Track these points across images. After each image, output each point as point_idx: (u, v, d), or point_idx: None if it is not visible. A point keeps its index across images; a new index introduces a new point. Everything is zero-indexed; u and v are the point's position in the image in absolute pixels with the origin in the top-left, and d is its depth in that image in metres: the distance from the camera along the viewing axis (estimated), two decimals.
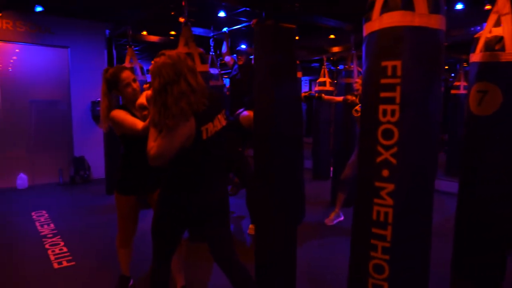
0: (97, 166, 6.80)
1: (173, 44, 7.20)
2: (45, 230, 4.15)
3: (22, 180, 6.25)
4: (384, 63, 1.60)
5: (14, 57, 6.44)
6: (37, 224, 4.37)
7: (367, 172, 1.72)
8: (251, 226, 4.12)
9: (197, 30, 5.56)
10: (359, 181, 1.80)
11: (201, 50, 3.56)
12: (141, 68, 4.87)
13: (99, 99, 6.92)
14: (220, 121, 2.01)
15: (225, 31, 5.16)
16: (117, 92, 2.43)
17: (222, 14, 5.57)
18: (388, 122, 1.62)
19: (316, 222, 4.44)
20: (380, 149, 1.65)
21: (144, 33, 6.37)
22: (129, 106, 2.46)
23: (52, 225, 4.31)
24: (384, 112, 1.63)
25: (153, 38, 6.05)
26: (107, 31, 5.53)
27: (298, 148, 2.72)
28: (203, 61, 3.52)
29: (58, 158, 6.73)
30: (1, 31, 6.00)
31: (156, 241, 2.07)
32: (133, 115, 2.42)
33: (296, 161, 2.68)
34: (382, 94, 1.62)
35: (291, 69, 2.56)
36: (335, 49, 5.69)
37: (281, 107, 2.52)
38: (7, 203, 5.35)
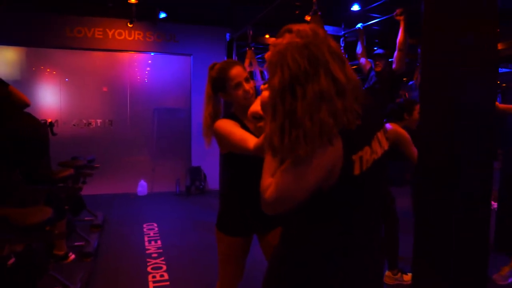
0: (213, 176, 6.52)
1: None
2: (151, 248, 3.82)
3: (142, 187, 6.30)
4: None
5: (147, 69, 6.61)
6: (146, 238, 4.10)
7: None
8: (387, 273, 3.14)
9: (326, 28, 4.80)
10: None
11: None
12: (261, 73, 4.31)
13: None
14: (381, 143, 1.16)
15: (359, 28, 4.27)
16: (224, 95, 1.79)
17: (356, 7, 4.69)
18: None
19: None
20: None
21: (267, 36, 5.87)
22: (240, 114, 1.80)
23: (159, 242, 3.98)
24: None
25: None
26: (228, 34, 5.16)
27: (487, 182, 1.69)
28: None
29: (176, 167, 6.66)
30: (133, 42, 6.18)
31: None
32: (245, 127, 1.74)
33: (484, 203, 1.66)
34: None
35: (490, 59, 1.57)
36: None
37: (467, 119, 1.55)
38: (125, 210, 5.34)
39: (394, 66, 3.82)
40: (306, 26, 1.06)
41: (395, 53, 3.75)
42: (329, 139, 0.99)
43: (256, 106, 1.62)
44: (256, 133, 1.70)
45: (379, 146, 1.15)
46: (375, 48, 4.12)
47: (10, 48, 6.03)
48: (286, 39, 1.03)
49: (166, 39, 6.29)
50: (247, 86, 1.73)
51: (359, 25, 4.37)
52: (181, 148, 6.73)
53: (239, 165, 1.76)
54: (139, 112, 6.50)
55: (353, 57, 4.60)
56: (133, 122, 6.49)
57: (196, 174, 6.52)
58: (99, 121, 6.29)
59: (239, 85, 1.72)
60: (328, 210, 1.09)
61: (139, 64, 6.58)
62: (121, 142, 6.40)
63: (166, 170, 6.61)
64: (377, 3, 4.48)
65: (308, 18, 5.35)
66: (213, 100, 1.81)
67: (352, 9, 4.73)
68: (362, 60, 4.22)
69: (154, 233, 4.28)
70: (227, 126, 1.71)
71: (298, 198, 1.04)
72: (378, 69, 3.95)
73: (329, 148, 1.00)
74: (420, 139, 1.72)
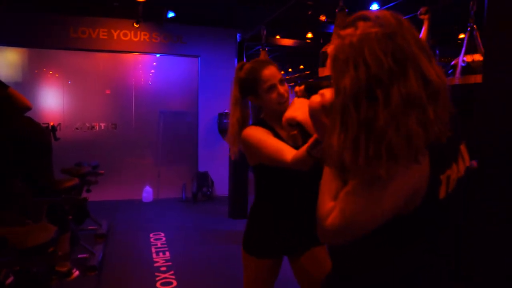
0: (221, 182, 6.29)
1: (311, 49, 6.36)
2: (160, 260, 3.59)
3: (147, 193, 6.08)
4: None
5: (152, 71, 6.40)
6: (153, 249, 3.87)
7: None
8: None
9: None
10: None
11: None
12: None
13: (226, 110, 6.54)
14: (464, 157, 0.94)
15: None
16: (255, 99, 1.57)
17: (375, 6, 4.46)
18: None
19: None
20: None
21: (277, 37, 5.66)
22: (272, 120, 1.58)
23: (167, 254, 3.75)
24: None
25: (287, 42, 5.28)
26: (238, 35, 4.95)
27: None
28: None
29: (182, 172, 6.43)
30: (139, 43, 5.98)
31: None
32: (277, 135, 1.52)
33: None
34: None
35: None
36: None
37: None
38: (131, 218, 5.11)
39: None
40: (386, 12, 0.83)
41: None
42: (415, 155, 0.77)
43: (293, 112, 1.41)
44: (289, 142, 1.48)
45: (462, 161, 0.93)
46: None
47: (11, 49, 5.82)
48: (360, 28, 0.80)
49: (173, 40, 6.08)
50: (282, 89, 1.51)
51: None
52: (188, 153, 6.51)
53: (274, 175, 1.54)
54: (144, 115, 6.29)
55: None
56: (138, 125, 6.27)
57: (203, 179, 6.29)
58: (102, 124, 6.07)
59: (272, 87, 1.50)
60: (413, 230, 0.88)
61: (144, 65, 6.37)
62: (125, 146, 6.18)
63: (172, 175, 6.39)
64: (396, 2, 4.26)
65: (323, 18, 5.17)
66: (241, 104, 1.60)
67: (371, 8, 4.51)
68: None
69: (161, 244, 4.05)
70: (258, 134, 1.49)
71: (369, 227, 0.83)
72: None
73: (414, 167, 0.78)
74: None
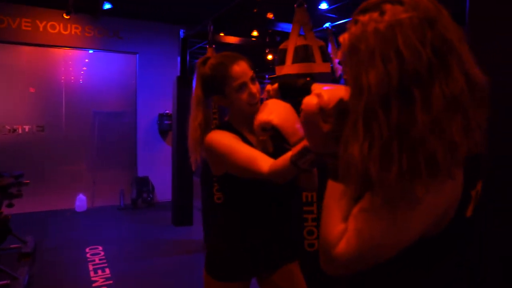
0: (162, 187, 5.95)
1: (257, 47, 6.22)
2: (99, 279, 3.21)
3: (81, 201, 5.54)
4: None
5: (84, 68, 5.84)
6: (91, 267, 3.47)
7: None
8: None
9: (288, 28, 4.49)
10: None
11: (322, 42, 2.44)
12: None
13: (167, 111, 6.20)
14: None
15: (328, 27, 4.02)
16: (221, 98, 1.36)
17: (324, 5, 4.43)
18: None
19: None
20: None
21: (221, 34, 5.44)
22: (239, 124, 1.39)
23: (107, 271, 3.38)
24: None
25: (232, 40, 5.09)
26: (182, 31, 4.66)
27: None
28: (325, 59, 2.39)
29: (120, 178, 5.97)
30: (70, 36, 5.42)
31: None
32: (246, 141, 1.34)
33: None
34: None
35: None
36: None
37: None
38: (62, 231, 4.59)
39: None
40: None
41: None
42: (451, 169, 0.64)
43: (267, 115, 1.24)
44: (258, 149, 1.31)
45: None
46: None
47: None
48: (389, 13, 0.64)
49: (108, 35, 5.60)
50: (254, 89, 1.33)
51: (327, 25, 4.13)
52: (126, 156, 6.06)
53: (243, 186, 1.35)
54: (76, 116, 5.72)
55: None
56: (69, 127, 5.69)
57: (143, 185, 5.90)
58: (26, 127, 5.40)
59: (243, 86, 1.30)
60: (441, 249, 0.75)
61: (76, 62, 5.79)
62: (54, 151, 5.57)
63: (108, 181, 5.90)
64: (346, 0, 4.27)
65: (270, 15, 5.06)
66: (203, 105, 1.38)
67: (320, 7, 4.48)
68: (337, 61, 3.97)
69: (100, 259, 3.65)
70: (226, 140, 1.29)
71: (390, 253, 0.69)
72: (346, 76, 3.72)
73: (448, 182, 0.65)
74: None
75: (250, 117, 1.38)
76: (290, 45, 2.40)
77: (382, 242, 0.67)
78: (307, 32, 2.41)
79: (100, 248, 3.96)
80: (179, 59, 4.83)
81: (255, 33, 5.66)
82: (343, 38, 0.70)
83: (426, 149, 0.60)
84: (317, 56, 2.36)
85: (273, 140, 1.40)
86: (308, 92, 1.37)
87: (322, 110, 0.79)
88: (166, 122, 6.04)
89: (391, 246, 0.68)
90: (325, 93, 0.81)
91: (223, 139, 1.30)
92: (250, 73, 1.33)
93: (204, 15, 4.40)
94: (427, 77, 0.61)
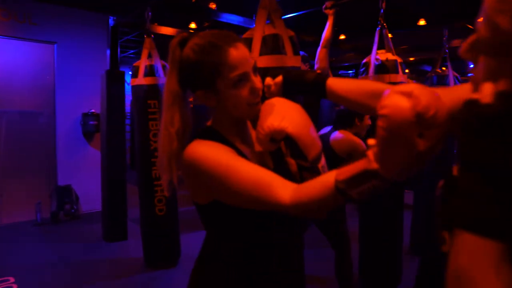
0: (89, 197, 5.24)
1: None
2: None
3: None
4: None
5: None
6: None
7: None
8: None
9: (234, 19, 4.15)
10: None
11: (292, 32, 2.12)
12: (164, 67, 3.38)
13: (93, 110, 5.44)
14: None
15: (329, 6, 3.70)
16: (207, 95, 0.96)
17: None
18: None
19: None
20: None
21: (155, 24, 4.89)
22: (228, 131, 1.01)
23: None
24: None
25: (168, 31, 4.58)
26: (112, 18, 4.05)
27: None
28: (296, 52, 2.08)
29: (35, 188, 5.11)
30: None
31: None
32: (240, 154, 0.97)
33: None
34: None
35: None
36: None
37: None
38: None
39: (316, 65, 3.39)
40: None
41: (318, 51, 3.32)
42: None
43: (279, 120, 0.90)
44: (253, 162, 0.96)
45: None
46: None
47: None
48: None
49: (17, 19, 4.72)
50: (258, 83, 0.95)
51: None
52: (43, 163, 5.20)
53: (240, 219, 0.97)
54: None
55: None
56: None
57: (64, 195, 5.12)
58: None
59: (244, 79, 0.92)
60: None
61: None
62: None
63: (21, 193, 5.00)
64: None
65: (213, 5, 4.64)
66: (181, 104, 0.97)
67: None
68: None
69: None
70: (220, 156, 0.91)
71: None
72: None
73: None
74: None
75: (243, 122, 1.02)
76: (257, 34, 2.05)
77: None
78: (276, 19, 2.08)
79: (12, 280, 3.22)
80: (108, 51, 4.20)
81: (193, 25, 5.19)
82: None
83: None
84: (288, 47, 2.04)
85: (275, 153, 1.05)
86: (321, 88, 1.03)
87: (419, 119, 0.51)
88: (91, 122, 5.32)
89: None
90: (420, 93, 0.52)
91: (215, 154, 0.90)
92: (252, 60, 0.95)
93: (135, 2, 3.85)
94: None
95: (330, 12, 3.25)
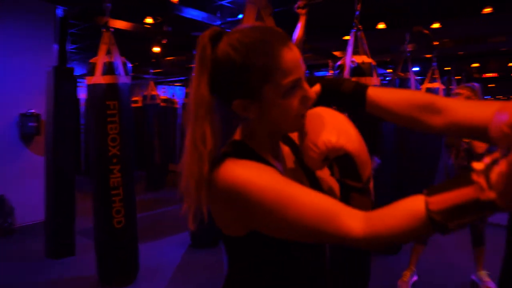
0: (27, 208, 4.67)
1: (151, 34, 5.31)
2: None
3: None
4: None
5: None
6: None
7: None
8: None
9: (198, 15, 3.93)
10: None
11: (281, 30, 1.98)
12: (124, 65, 3.06)
13: (32, 110, 4.85)
14: None
15: (300, 6, 3.57)
16: (247, 105, 0.77)
17: None
18: None
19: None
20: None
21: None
22: (262, 147, 0.84)
23: None
24: None
25: (123, 25, 4.22)
26: (60, 9, 3.62)
27: None
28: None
29: None
30: None
31: None
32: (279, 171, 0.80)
33: None
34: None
35: None
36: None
37: None
38: None
39: None
40: None
41: None
42: None
43: (335, 135, 0.85)
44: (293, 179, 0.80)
45: None
46: None
47: None
48: None
49: None
50: (311, 92, 0.79)
51: (240, 16, 3.70)
52: None
53: (274, 251, 0.80)
54: None
55: None
56: None
57: None
58: None
59: (297, 86, 0.76)
60: None
61: None
62: None
63: None
64: None
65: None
66: (213, 116, 0.77)
67: None
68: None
69: None
70: (266, 180, 0.72)
71: None
72: None
73: None
74: None
75: (278, 135, 0.87)
76: None
77: None
78: (266, 16, 1.94)
79: None
80: (55, 45, 3.76)
81: (149, 20, 4.85)
82: None
83: None
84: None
85: (307, 170, 0.91)
86: (361, 100, 0.90)
87: None
88: (30, 124, 4.76)
89: None
90: None
91: (261, 179, 0.72)
92: (304, 65, 0.79)
93: None
94: None
95: (302, 12, 3.18)
